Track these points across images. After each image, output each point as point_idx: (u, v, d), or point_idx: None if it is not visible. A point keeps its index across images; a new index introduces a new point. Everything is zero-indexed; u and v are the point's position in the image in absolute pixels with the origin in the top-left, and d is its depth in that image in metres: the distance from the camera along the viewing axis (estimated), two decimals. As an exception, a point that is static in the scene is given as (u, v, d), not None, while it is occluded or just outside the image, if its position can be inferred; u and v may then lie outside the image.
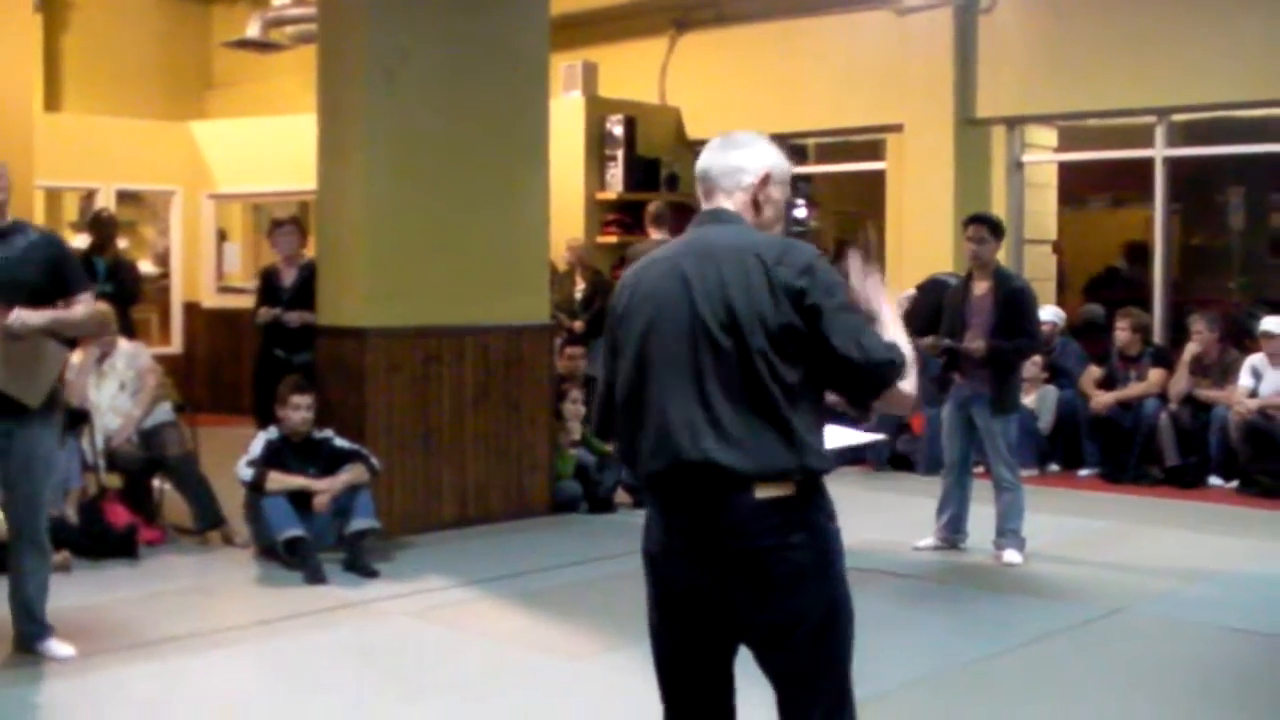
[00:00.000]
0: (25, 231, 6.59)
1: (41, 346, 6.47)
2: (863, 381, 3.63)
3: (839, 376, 3.63)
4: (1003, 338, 8.84)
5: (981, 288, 9.00)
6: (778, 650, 3.69)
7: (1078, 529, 10.12)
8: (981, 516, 9.04)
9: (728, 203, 3.88)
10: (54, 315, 6.47)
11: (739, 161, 3.92)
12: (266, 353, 10.55)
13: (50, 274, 6.50)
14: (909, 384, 3.66)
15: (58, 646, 6.80)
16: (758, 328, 3.59)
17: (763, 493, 3.57)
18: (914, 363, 3.69)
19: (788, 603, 3.63)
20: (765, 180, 3.92)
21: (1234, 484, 11.53)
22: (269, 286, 10.64)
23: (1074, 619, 7.67)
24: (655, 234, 12.80)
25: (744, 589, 3.63)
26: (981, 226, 9.09)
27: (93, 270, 12.40)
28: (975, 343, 8.88)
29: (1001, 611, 7.99)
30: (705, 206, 3.92)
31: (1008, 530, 8.93)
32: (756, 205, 3.92)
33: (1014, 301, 8.90)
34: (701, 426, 3.61)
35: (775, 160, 3.97)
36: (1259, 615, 7.73)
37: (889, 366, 3.61)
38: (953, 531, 9.18)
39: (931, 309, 9.61)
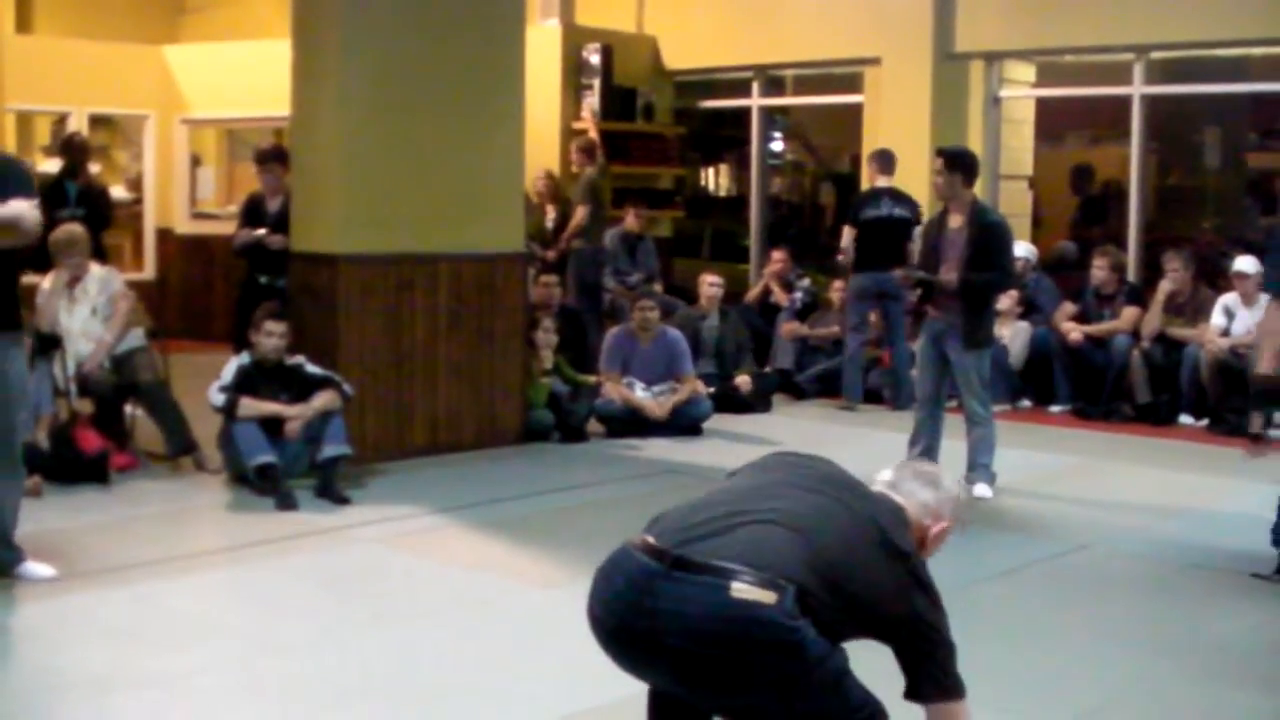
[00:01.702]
0: None
1: None
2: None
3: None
4: (976, 272, 8.83)
5: (956, 221, 8.98)
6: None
7: (1048, 464, 10.16)
8: (953, 451, 9.06)
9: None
10: None
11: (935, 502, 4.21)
12: (251, 279, 10.52)
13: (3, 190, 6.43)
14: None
15: (38, 568, 6.80)
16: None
17: (740, 593, 3.47)
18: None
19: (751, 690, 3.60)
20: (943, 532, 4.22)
21: (1204, 422, 11.58)
22: (254, 214, 10.60)
23: (1042, 553, 7.72)
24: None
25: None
26: (939, 159, 9.09)
27: (64, 195, 12.32)
28: (948, 275, 8.88)
29: (971, 545, 7.98)
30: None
31: (978, 465, 8.96)
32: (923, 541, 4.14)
33: (988, 236, 8.88)
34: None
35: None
36: (1225, 550, 7.78)
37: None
38: (924, 463, 9.21)
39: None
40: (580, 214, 13.67)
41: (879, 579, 3.69)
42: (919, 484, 4.11)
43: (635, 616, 3.61)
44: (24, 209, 6.36)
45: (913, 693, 3.78)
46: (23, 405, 6.78)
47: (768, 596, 3.44)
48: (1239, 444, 10.58)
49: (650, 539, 3.65)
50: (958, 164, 9.00)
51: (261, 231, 10.31)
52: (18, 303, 6.72)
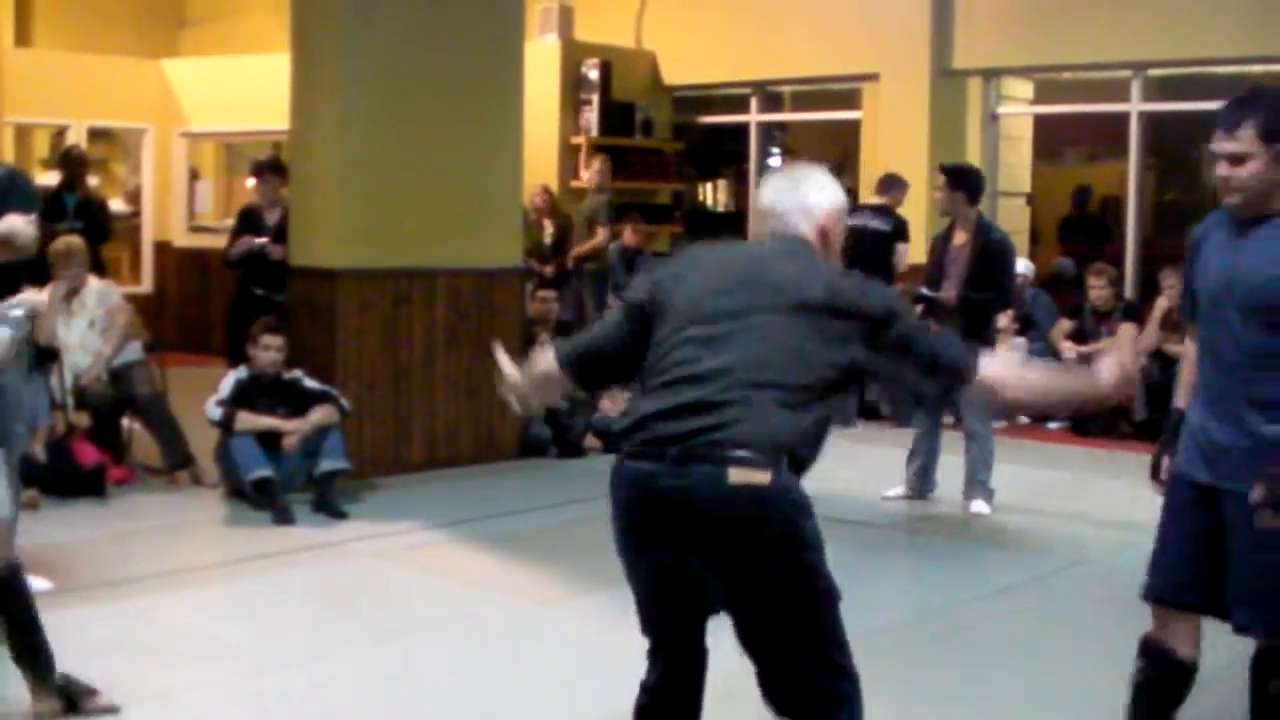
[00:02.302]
0: None
1: None
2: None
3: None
4: (977, 290, 8.83)
5: (960, 238, 9.00)
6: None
7: (1045, 481, 10.17)
8: (950, 467, 9.06)
9: (800, 231, 3.96)
10: None
11: (811, 198, 4.00)
12: (244, 291, 10.49)
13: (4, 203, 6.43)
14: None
15: (35, 581, 6.77)
16: (824, 322, 3.70)
17: (737, 478, 3.54)
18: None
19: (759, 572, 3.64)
20: (835, 217, 4.02)
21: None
22: (250, 226, 10.57)
23: (1039, 570, 7.72)
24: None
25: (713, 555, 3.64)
26: (941, 176, 9.12)
27: (62, 208, 12.32)
28: (947, 292, 8.89)
29: (968, 562, 8.03)
30: (774, 230, 3.99)
31: (976, 481, 8.96)
32: (825, 239, 3.99)
33: (989, 254, 8.89)
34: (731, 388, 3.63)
35: (842, 198, 4.06)
36: None
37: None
38: (922, 481, 9.21)
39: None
40: (602, 235, 13.65)
41: (841, 335, 3.71)
42: (791, 199, 4.00)
43: (652, 508, 3.66)
44: (18, 225, 6.34)
45: (964, 375, 3.79)
46: (19, 418, 6.76)
47: (763, 477, 3.54)
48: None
49: (644, 442, 3.67)
50: (960, 181, 9.02)
51: (263, 240, 10.27)
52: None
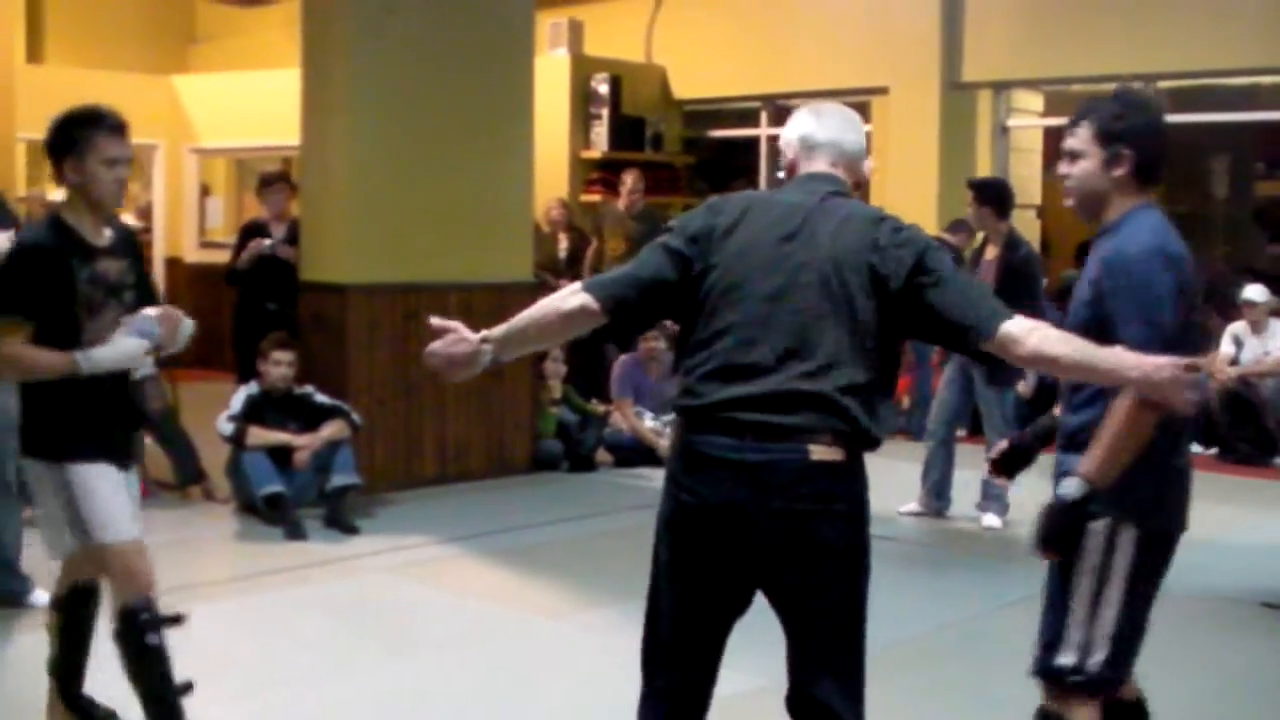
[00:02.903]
0: None
1: None
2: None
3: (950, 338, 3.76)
4: (1005, 304, 8.79)
5: (991, 253, 8.98)
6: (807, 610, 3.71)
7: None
8: (964, 482, 9.04)
9: (834, 170, 3.94)
10: None
11: (863, 143, 4.02)
12: (253, 306, 10.45)
13: None
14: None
15: (47, 596, 6.78)
16: (871, 286, 3.65)
17: (819, 454, 3.58)
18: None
19: (815, 571, 3.65)
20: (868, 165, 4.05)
21: (1214, 451, 11.56)
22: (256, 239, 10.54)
23: (1052, 583, 7.69)
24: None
25: (774, 549, 3.63)
26: (970, 191, 9.11)
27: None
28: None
29: (983, 575, 8.01)
30: (806, 170, 3.95)
31: (991, 495, 8.94)
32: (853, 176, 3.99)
33: (1014, 270, 8.85)
34: (800, 365, 3.62)
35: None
36: (1235, 582, 7.76)
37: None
38: (936, 498, 9.19)
39: None
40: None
41: (887, 297, 3.66)
42: (833, 133, 3.99)
43: (735, 485, 3.62)
44: None
45: (985, 329, 3.65)
46: (11, 434, 6.74)
47: (837, 454, 3.60)
48: (1249, 473, 10.63)
49: (724, 417, 3.65)
50: (986, 195, 9.00)
51: (272, 241, 10.19)
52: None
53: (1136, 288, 3.78)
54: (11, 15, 14.69)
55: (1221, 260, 15.43)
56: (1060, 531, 3.87)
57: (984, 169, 13.79)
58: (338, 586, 7.52)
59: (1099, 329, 3.77)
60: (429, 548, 8.34)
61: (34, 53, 17.02)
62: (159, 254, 16.70)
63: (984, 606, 7.21)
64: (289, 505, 8.52)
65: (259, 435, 8.72)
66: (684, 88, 16.01)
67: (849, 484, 3.66)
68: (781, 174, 4.04)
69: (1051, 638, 3.99)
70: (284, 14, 16.06)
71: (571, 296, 3.92)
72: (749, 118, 16.26)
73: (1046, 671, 4.02)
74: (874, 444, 3.68)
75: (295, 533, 8.35)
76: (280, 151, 14.89)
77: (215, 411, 8.94)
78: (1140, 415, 3.67)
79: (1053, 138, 15.18)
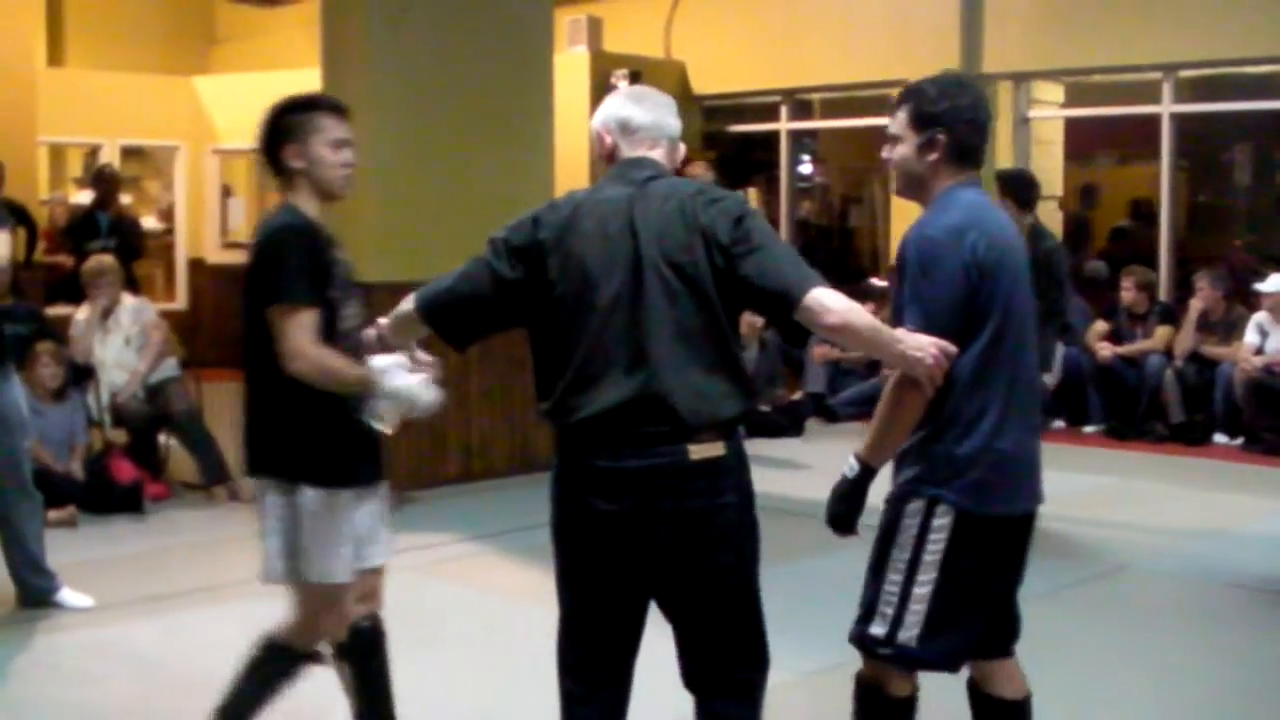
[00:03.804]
0: None
1: None
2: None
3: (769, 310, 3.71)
4: None
5: None
6: (699, 607, 3.76)
7: (1082, 485, 10.11)
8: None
9: (653, 153, 3.90)
10: None
11: (668, 117, 3.96)
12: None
13: None
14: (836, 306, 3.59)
15: (75, 597, 6.83)
16: (704, 268, 3.63)
17: (698, 453, 3.61)
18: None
19: (714, 560, 3.69)
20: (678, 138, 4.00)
21: (1239, 441, 11.54)
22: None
23: (1078, 576, 7.68)
24: None
25: (674, 547, 3.66)
26: (995, 183, 9.06)
27: (96, 226, 12.39)
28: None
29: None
30: (627, 154, 3.90)
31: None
32: (671, 159, 3.96)
33: (1036, 264, 8.77)
34: (658, 366, 3.61)
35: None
36: (1261, 571, 7.74)
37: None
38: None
39: None
40: None
41: (718, 271, 3.65)
42: (653, 116, 3.93)
43: (621, 492, 3.66)
44: None
45: (795, 294, 3.58)
46: (24, 434, 6.77)
47: (717, 448, 3.64)
48: (1274, 462, 10.59)
49: (597, 431, 3.68)
50: (1008, 187, 8.94)
51: None
52: (1, 339, 6.68)
53: (919, 269, 3.79)
54: (32, 19, 14.75)
55: (1244, 249, 15.37)
56: (838, 510, 3.89)
57: (1005, 161, 13.76)
58: (363, 585, 7.53)
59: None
60: (455, 546, 8.35)
61: (55, 56, 17.10)
62: (181, 255, 16.75)
63: (1010, 599, 7.19)
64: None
65: (283, 435, 8.72)
66: (703, 83, 16.00)
67: (734, 474, 3.69)
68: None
69: (867, 607, 3.97)
70: (303, 14, 16.10)
71: (405, 300, 4.12)
72: (768, 112, 16.25)
73: (859, 639, 4.00)
74: (744, 423, 3.73)
75: (320, 532, 8.34)
76: (301, 151, 14.90)
77: (239, 412, 8.94)
78: (904, 395, 3.72)
79: (1074, 128, 15.17)
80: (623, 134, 3.91)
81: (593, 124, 4.00)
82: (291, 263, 4.30)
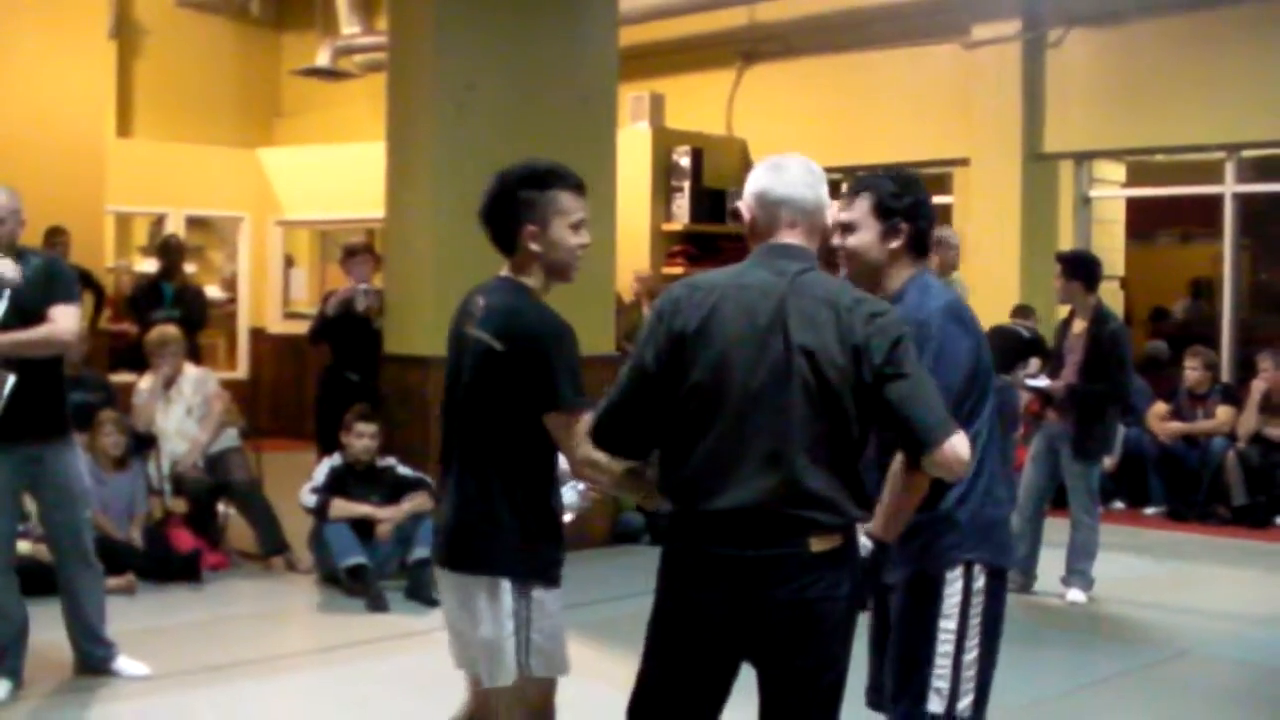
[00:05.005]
0: (28, 260, 6.54)
1: None
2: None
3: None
4: (1092, 381, 8.71)
5: (1079, 326, 8.87)
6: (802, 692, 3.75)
7: (1143, 568, 10.03)
8: (1049, 557, 8.94)
9: (805, 231, 3.87)
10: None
11: (823, 197, 3.95)
12: (333, 377, 10.54)
13: (47, 294, 6.49)
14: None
15: (131, 665, 6.85)
16: (849, 380, 3.62)
17: (818, 546, 3.61)
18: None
19: (824, 651, 3.70)
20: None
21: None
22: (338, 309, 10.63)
23: (1140, 660, 7.60)
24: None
25: (784, 637, 3.66)
26: (1058, 264, 9.04)
27: (160, 296, 12.50)
28: (1055, 383, 8.81)
29: (1067, 652, 7.92)
30: (782, 233, 3.85)
31: (1075, 570, 8.83)
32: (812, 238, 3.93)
33: (1102, 344, 8.76)
34: (795, 465, 3.60)
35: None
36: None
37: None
38: (1023, 574, 9.07)
39: (999, 353, 9.49)
40: None
41: (862, 386, 3.62)
42: (791, 189, 3.92)
43: (737, 580, 3.64)
44: (53, 330, 6.38)
45: (926, 446, 3.59)
46: (86, 504, 6.82)
47: (835, 541, 3.64)
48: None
49: (720, 524, 3.65)
50: (1075, 269, 8.92)
51: (364, 286, 10.27)
52: (65, 409, 6.72)
53: (933, 348, 3.93)
54: (103, 91, 14.96)
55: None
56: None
57: (1066, 240, 13.73)
58: (420, 659, 7.51)
59: None
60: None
61: (123, 127, 17.31)
62: (243, 324, 16.88)
63: (1074, 683, 7.13)
64: (371, 577, 8.54)
65: (342, 507, 8.76)
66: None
67: (849, 568, 3.69)
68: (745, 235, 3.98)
69: (913, 690, 4.03)
70: (367, 88, 16.27)
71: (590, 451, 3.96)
72: (830, 190, 16.24)
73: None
74: (858, 522, 3.74)
75: (377, 605, 8.36)
76: (363, 223, 15.04)
77: (298, 482, 8.99)
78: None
79: (1136, 208, 15.13)
80: (760, 207, 3.90)
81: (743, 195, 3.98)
82: (573, 366, 4.23)
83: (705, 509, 3.66)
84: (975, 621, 4.01)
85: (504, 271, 4.48)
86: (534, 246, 4.35)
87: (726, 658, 3.75)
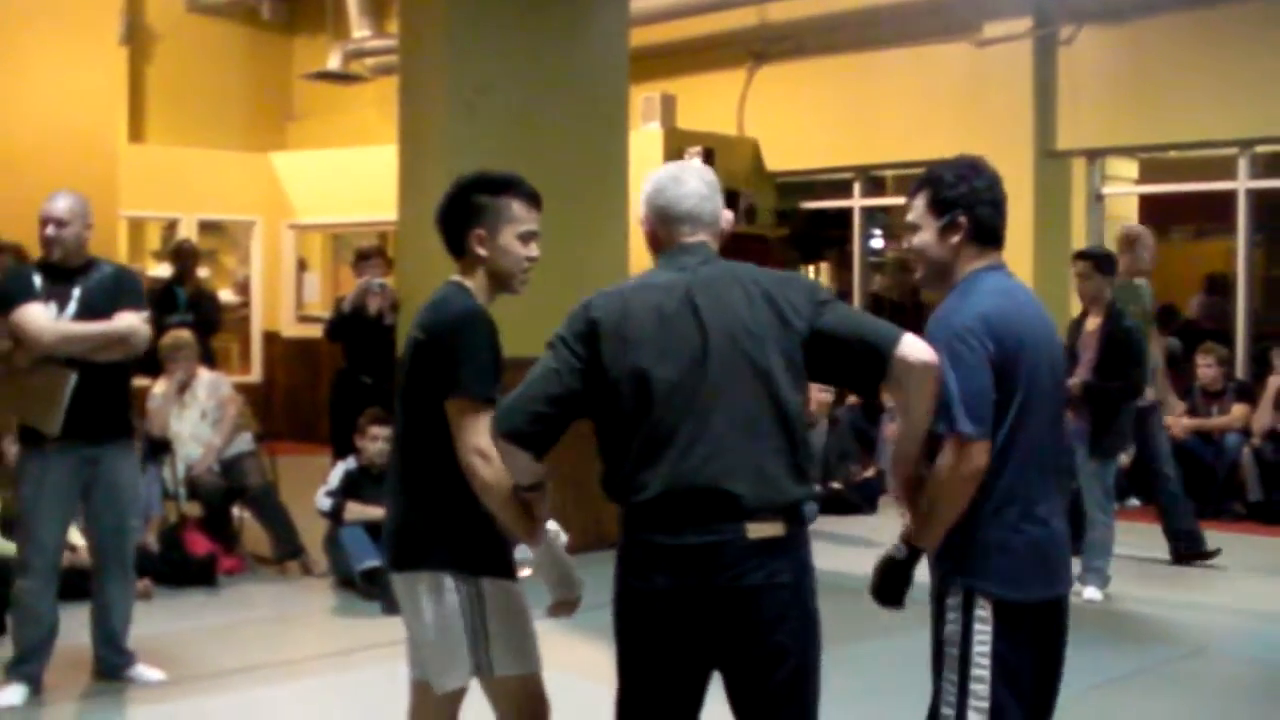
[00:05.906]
0: (100, 268, 6.65)
1: (40, 374, 6.42)
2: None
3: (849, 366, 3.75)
4: (1106, 378, 8.70)
5: (1093, 324, 8.87)
6: (757, 688, 3.73)
7: (1159, 566, 10.00)
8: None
9: (706, 237, 3.91)
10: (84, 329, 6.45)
11: (716, 199, 3.97)
12: (347, 381, 10.57)
13: (115, 301, 6.56)
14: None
15: (148, 671, 6.87)
16: (774, 340, 3.67)
17: (756, 532, 3.61)
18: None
19: (771, 639, 3.68)
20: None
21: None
22: (354, 309, 10.68)
23: (1157, 658, 7.59)
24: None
25: (726, 628, 3.66)
26: (1081, 262, 9.02)
27: (174, 300, 12.52)
28: (1069, 380, 8.79)
29: (1083, 650, 7.86)
30: (682, 239, 3.90)
31: (1091, 567, 8.82)
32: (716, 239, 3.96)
33: (1115, 341, 8.75)
34: (719, 447, 3.64)
35: None
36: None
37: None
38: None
39: None
40: None
41: (788, 343, 3.70)
42: (710, 206, 3.92)
43: (680, 570, 3.66)
44: (134, 324, 6.48)
45: (885, 350, 3.64)
46: (135, 512, 6.87)
47: (776, 528, 3.63)
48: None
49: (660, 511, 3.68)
50: (1107, 267, 8.93)
51: (379, 280, 10.31)
52: (129, 411, 6.82)
53: (948, 363, 3.76)
54: (114, 96, 14.97)
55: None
56: (883, 585, 3.93)
57: (1079, 237, 13.71)
58: (435, 661, 7.52)
59: None
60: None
61: (135, 132, 17.33)
62: (257, 328, 16.91)
63: (1090, 681, 7.09)
64: (386, 580, 8.53)
65: (357, 510, 8.76)
66: (777, 160, 16.03)
67: (792, 556, 3.68)
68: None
69: (931, 710, 3.89)
70: (380, 91, 16.27)
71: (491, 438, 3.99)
72: (842, 189, 16.26)
73: None
74: (807, 506, 3.73)
75: (393, 607, 8.28)
76: (376, 227, 15.07)
77: (312, 485, 9.00)
78: (955, 479, 3.70)
79: (1149, 205, 15.09)
80: (661, 224, 3.94)
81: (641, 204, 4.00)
82: (481, 356, 4.22)
83: (639, 500, 3.71)
84: (982, 652, 3.78)
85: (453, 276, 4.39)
86: (480, 251, 4.36)
87: (679, 651, 3.74)
